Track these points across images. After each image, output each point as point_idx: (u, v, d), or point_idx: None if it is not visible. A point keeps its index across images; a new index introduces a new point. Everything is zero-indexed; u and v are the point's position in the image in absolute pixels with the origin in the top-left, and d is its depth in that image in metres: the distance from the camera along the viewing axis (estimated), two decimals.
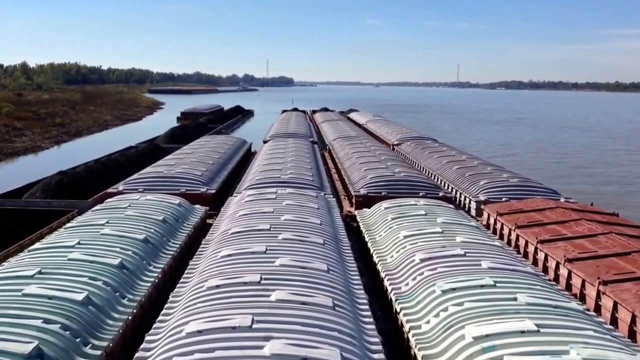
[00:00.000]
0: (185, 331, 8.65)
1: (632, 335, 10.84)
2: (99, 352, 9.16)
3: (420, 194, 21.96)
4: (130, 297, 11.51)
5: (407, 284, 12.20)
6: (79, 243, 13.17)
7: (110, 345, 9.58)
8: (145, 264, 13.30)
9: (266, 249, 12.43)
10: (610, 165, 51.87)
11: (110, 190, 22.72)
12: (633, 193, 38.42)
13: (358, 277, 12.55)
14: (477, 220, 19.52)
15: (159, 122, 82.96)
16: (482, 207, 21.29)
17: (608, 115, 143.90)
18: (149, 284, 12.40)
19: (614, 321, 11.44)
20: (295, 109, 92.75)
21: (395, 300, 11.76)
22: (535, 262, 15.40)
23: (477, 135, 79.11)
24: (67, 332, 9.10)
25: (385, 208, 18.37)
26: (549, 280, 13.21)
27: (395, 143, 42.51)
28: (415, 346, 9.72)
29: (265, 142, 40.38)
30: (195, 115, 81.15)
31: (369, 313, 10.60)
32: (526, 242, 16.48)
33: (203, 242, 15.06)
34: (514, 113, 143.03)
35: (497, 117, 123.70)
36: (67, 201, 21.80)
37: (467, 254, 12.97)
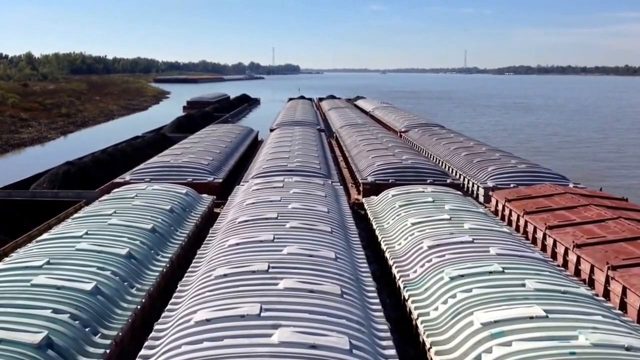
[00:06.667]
0: (194, 320, 8.67)
1: None
2: (108, 342, 9.20)
3: (428, 181, 21.89)
4: (139, 286, 11.54)
5: (415, 271, 12.18)
6: (86, 233, 13.20)
7: (120, 334, 9.62)
8: (153, 254, 13.33)
9: (274, 238, 12.42)
10: (620, 149, 51.64)
11: (117, 180, 22.75)
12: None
13: (366, 265, 12.54)
14: (485, 207, 19.45)
15: (165, 112, 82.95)
16: (490, 193, 21.20)
17: (615, 99, 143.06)
18: (157, 274, 12.43)
19: (623, 306, 11.39)
20: (302, 97, 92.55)
21: (404, 287, 11.75)
22: (543, 248, 15.34)
23: (480, 119, 78.91)
24: (77, 322, 9.13)
25: (393, 195, 18.33)
26: (558, 266, 13.16)
27: (403, 130, 42.36)
28: (424, 333, 9.72)
29: (271, 130, 40.30)
30: (202, 104, 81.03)
31: (377, 300, 10.60)
32: (535, 228, 16.41)
33: (210, 231, 15.08)
34: (520, 98, 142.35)
35: (499, 103, 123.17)
36: (74, 191, 21.86)
37: (475, 241, 12.94)
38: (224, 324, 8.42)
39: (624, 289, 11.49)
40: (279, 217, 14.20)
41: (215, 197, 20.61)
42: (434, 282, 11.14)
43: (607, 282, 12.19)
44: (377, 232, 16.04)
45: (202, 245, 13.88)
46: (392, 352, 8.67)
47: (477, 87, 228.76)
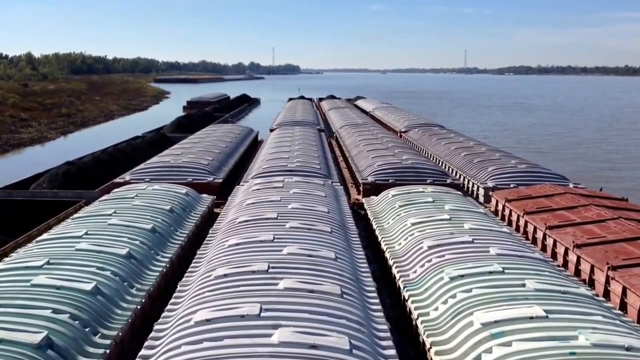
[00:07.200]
0: (194, 320, 8.66)
1: None
2: (108, 342, 9.19)
3: (428, 181, 21.88)
4: (139, 286, 11.54)
5: (415, 271, 12.18)
6: (86, 233, 13.19)
7: (120, 334, 9.62)
8: (153, 254, 13.33)
9: (274, 238, 12.42)
10: (619, 149, 51.64)
11: (117, 180, 22.75)
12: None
13: (366, 265, 12.54)
14: (486, 207, 19.45)
15: (165, 112, 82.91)
16: (491, 193, 21.20)
17: (615, 99, 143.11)
18: (157, 274, 12.43)
19: (623, 306, 11.39)
20: (302, 97, 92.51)
21: (404, 287, 11.75)
22: (544, 248, 15.34)
23: (480, 120, 78.93)
24: (77, 322, 9.12)
25: (393, 195, 18.32)
26: (558, 266, 13.16)
27: (403, 130, 42.35)
28: (424, 333, 9.72)
29: (271, 130, 40.30)
30: (202, 104, 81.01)
31: (377, 300, 10.60)
32: (535, 228, 16.41)
33: (210, 231, 15.07)
34: (520, 98, 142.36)
35: (499, 103, 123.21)
36: (74, 191, 21.85)
37: (475, 241, 12.93)
38: (224, 324, 8.42)
39: (624, 289, 11.49)
40: (279, 217, 14.19)
41: (215, 197, 20.60)
42: (434, 282, 11.13)
43: (607, 282, 12.18)
44: (377, 232, 16.04)
45: (202, 245, 13.88)
46: (392, 352, 8.67)
47: (477, 87, 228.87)
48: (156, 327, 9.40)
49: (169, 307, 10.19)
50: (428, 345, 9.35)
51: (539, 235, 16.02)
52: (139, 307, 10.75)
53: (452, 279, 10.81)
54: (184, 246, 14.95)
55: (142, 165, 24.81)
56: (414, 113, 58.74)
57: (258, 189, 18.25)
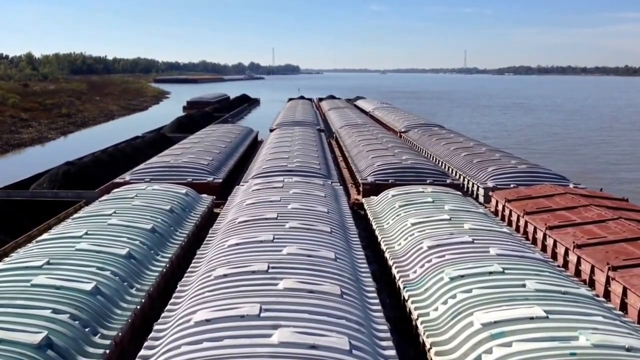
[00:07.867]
0: (194, 320, 8.66)
1: None
2: (108, 342, 9.18)
3: (428, 181, 21.88)
4: (139, 286, 11.53)
5: (415, 272, 12.17)
6: (86, 233, 13.19)
7: (120, 334, 9.61)
8: (153, 254, 13.32)
9: (273, 238, 12.41)
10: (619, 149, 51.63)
11: (117, 180, 22.74)
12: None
13: (366, 265, 12.53)
14: (485, 207, 19.43)
15: (165, 112, 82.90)
16: (490, 193, 21.18)
17: (614, 99, 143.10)
18: (157, 274, 12.42)
19: (623, 307, 11.39)
20: (302, 97, 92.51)
21: (404, 287, 11.74)
22: (544, 249, 15.33)
23: (480, 120, 78.94)
24: (76, 322, 9.12)
25: (393, 196, 18.31)
26: (558, 266, 13.14)
27: (402, 130, 42.35)
28: (424, 333, 9.71)
29: (271, 130, 40.29)
30: (201, 104, 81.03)
31: (377, 301, 10.59)
32: (535, 228, 16.40)
33: (210, 232, 15.06)
34: (520, 99, 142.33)
35: (499, 103, 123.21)
36: (74, 192, 21.84)
37: (475, 241, 12.93)
38: (224, 324, 8.41)
39: (625, 290, 11.48)
40: (278, 217, 14.18)
41: (215, 197, 20.59)
42: (434, 282, 11.13)
43: (607, 282, 12.17)
44: (377, 232, 16.03)
45: (202, 245, 13.87)
46: (392, 352, 8.66)
47: (477, 87, 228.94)
48: (156, 327, 9.40)
49: (168, 307, 10.19)
50: (428, 346, 9.34)
51: (539, 235, 16.01)
52: (138, 307, 10.75)
53: (452, 279, 10.80)
54: (183, 246, 14.94)
55: (142, 166, 24.80)
56: (413, 113, 58.72)
57: (258, 189, 18.25)
